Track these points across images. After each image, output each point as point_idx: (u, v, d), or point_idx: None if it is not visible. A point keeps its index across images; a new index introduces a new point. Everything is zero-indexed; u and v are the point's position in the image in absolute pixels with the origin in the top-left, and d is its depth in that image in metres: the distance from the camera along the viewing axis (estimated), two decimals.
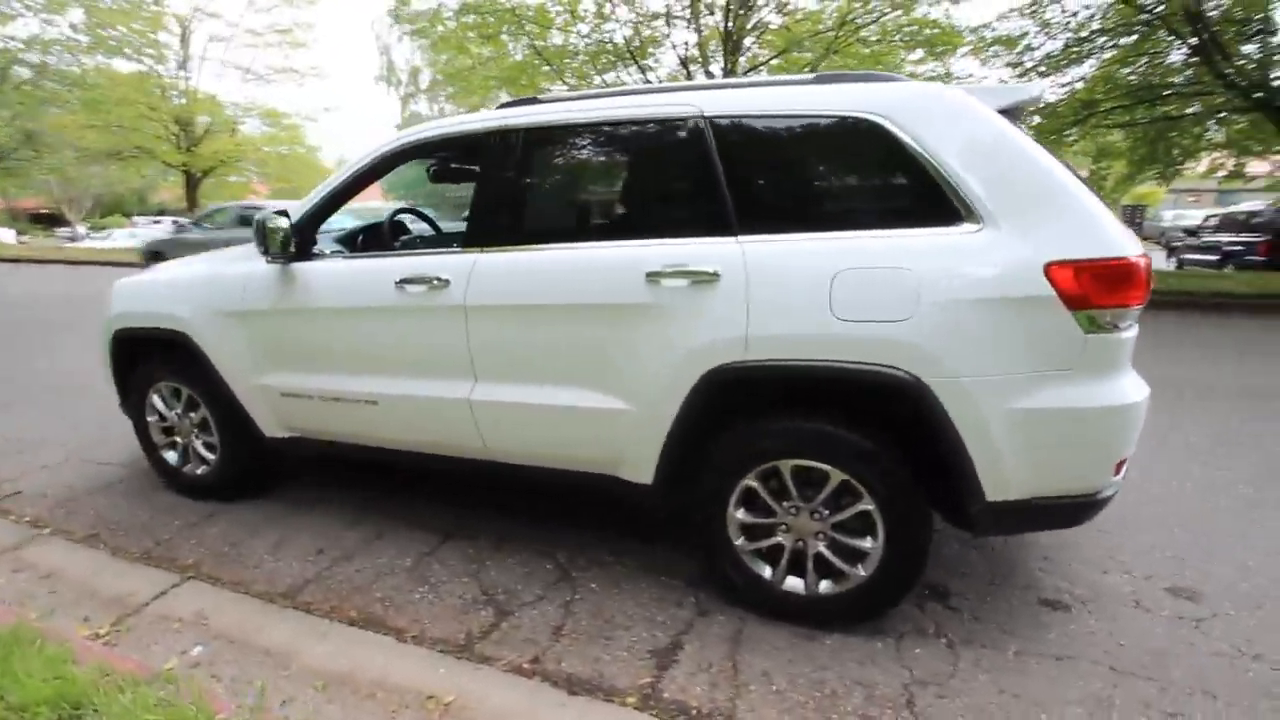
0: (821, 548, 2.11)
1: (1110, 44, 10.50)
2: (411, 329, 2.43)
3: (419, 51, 36.60)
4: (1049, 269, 1.75)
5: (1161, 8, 9.20)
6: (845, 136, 1.96)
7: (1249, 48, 9.11)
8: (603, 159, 2.30)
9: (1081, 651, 2.06)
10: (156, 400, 3.13)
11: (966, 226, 1.84)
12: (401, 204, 3.94)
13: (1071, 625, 2.19)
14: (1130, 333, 1.82)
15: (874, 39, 11.65)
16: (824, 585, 2.13)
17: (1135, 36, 9.84)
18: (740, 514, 2.17)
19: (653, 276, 2.07)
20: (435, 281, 2.35)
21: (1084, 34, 10.49)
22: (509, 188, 2.33)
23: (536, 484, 2.53)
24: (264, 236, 2.53)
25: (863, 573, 2.07)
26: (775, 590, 2.18)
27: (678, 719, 1.83)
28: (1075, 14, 10.23)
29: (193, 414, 3.08)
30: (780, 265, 1.94)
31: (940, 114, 1.88)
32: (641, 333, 2.11)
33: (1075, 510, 1.93)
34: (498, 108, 2.51)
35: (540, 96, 2.43)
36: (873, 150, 1.93)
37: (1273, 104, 8.74)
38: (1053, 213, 1.78)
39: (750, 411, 2.07)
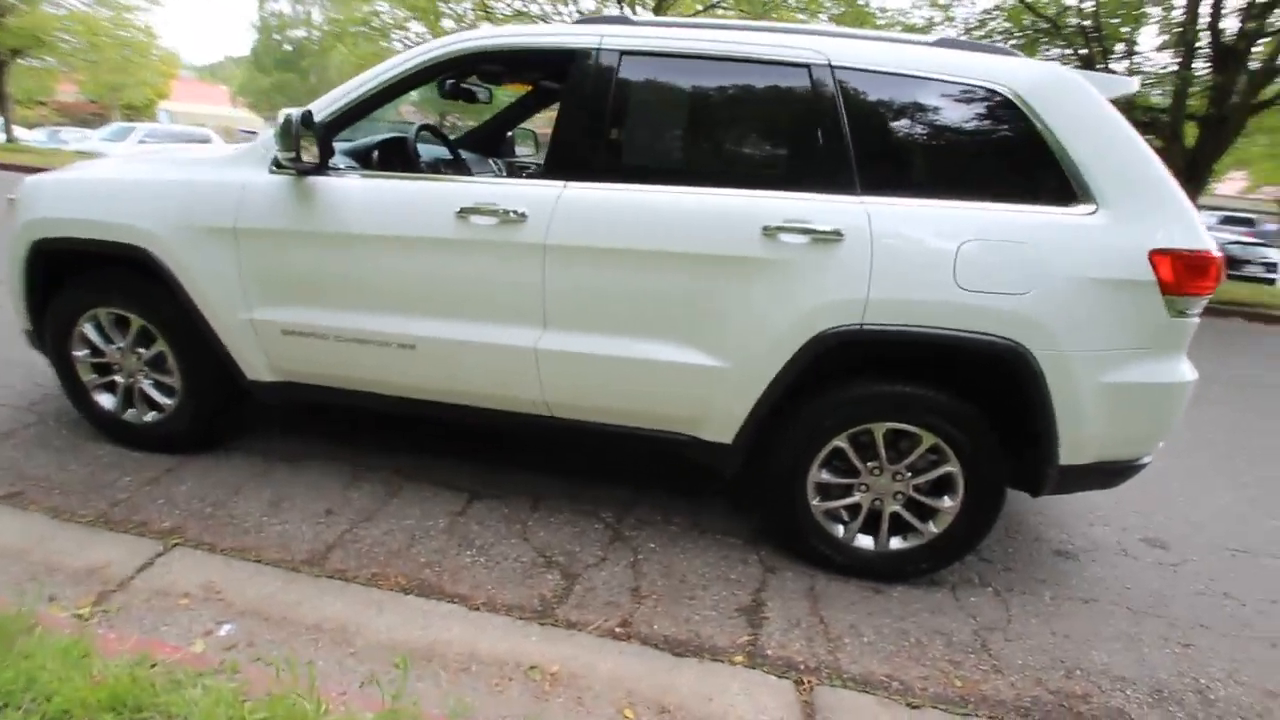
0: (898, 507, 2.19)
1: (1010, 44, 11.48)
2: (472, 266, 2.15)
3: None
4: (1152, 255, 1.89)
5: (1054, 12, 10.15)
6: (976, 106, 1.97)
7: (1118, 66, 10.35)
8: (715, 97, 2.12)
9: (1100, 595, 2.34)
10: (90, 331, 2.54)
11: (1082, 208, 1.93)
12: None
13: (1085, 572, 2.48)
14: (1196, 319, 2.03)
15: (799, 6, 11.84)
16: (894, 542, 2.23)
17: (1024, 40, 10.80)
18: (823, 474, 2.19)
19: (770, 231, 1.98)
20: (511, 214, 2.09)
21: (982, 33, 11.36)
22: (604, 115, 2.09)
23: (591, 441, 2.39)
24: (289, 138, 2.08)
25: (934, 529, 2.18)
26: (846, 547, 2.25)
27: (787, 674, 1.85)
28: (984, 11, 11.02)
29: (142, 349, 2.54)
30: (906, 230, 1.93)
31: (1067, 96, 1.93)
32: (750, 288, 2.02)
33: (1120, 474, 2.15)
34: (576, 23, 2.23)
35: (632, 18, 2.19)
36: (1002, 123, 1.96)
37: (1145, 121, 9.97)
38: (1155, 202, 1.92)
39: (851, 374, 2.07)
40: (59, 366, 2.62)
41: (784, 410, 2.13)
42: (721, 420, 2.19)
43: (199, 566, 2.05)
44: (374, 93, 2.22)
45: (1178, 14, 9.69)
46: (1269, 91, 9.37)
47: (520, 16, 13.22)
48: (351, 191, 2.21)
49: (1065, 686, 1.90)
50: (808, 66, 2.01)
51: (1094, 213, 1.92)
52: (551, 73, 2.94)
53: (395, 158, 2.66)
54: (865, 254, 1.94)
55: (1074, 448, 2.03)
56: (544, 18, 13.13)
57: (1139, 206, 1.91)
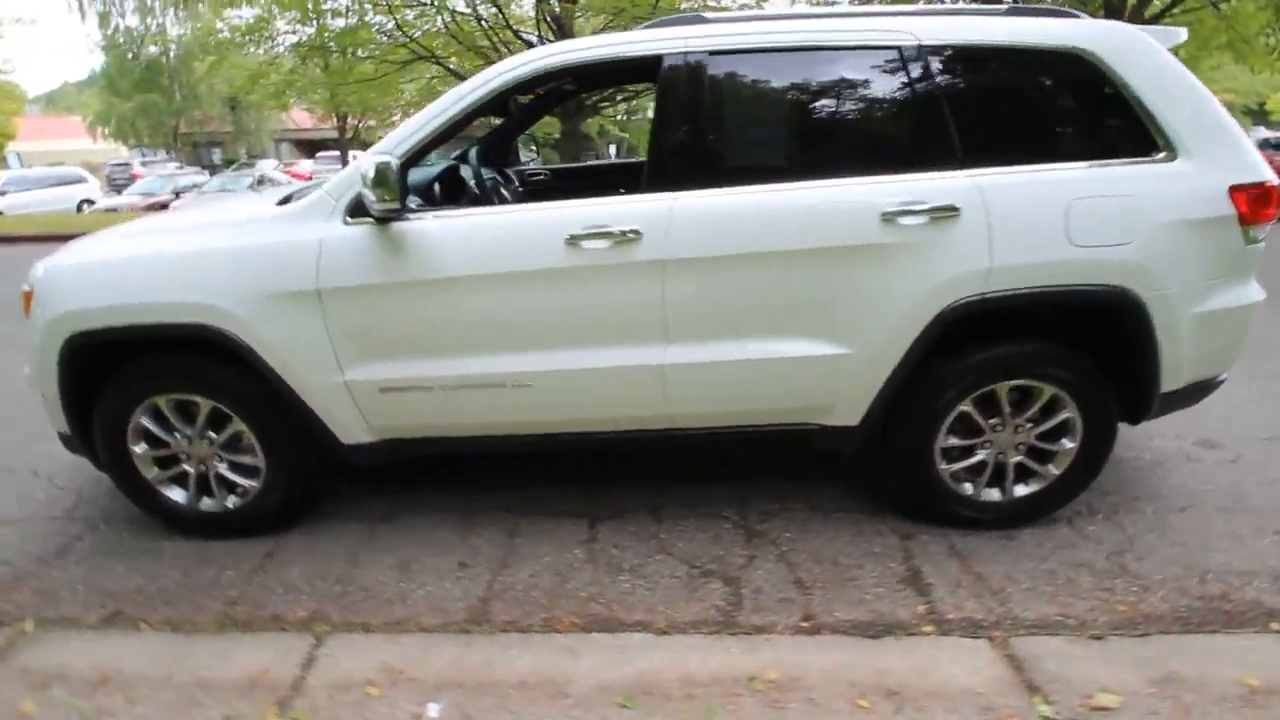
0: (1020, 456, 2.32)
1: None
2: (588, 292, 2.09)
3: None
4: (1231, 192, 2.05)
5: None
6: (1059, 69, 2.06)
7: None
8: (810, 89, 2.11)
9: (1190, 500, 2.57)
10: (148, 423, 2.31)
11: (1164, 156, 2.07)
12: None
13: (1169, 481, 2.71)
14: (1263, 244, 2.23)
15: None
16: (1019, 489, 2.37)
17: None
18: (949, 440, 2.29)
19: (889, 216, 2.02)
20: (626, 234, 2.03)
21: None
22: (702, 119, 2.05)
23: (713, 447, 2.40)
24: (387, 186, 1.93)
25: (1055, 471, 2.33)
26: (976, 503, 2.37)
27: (978, 633, 1.96)
28: None
29: (213, 433, 2.34)
30: (1018, 196, 2.02)
31: (1139, 51, 2.05)
32: (873, 274, 2.06)
33: (1205, 391, 2.36)
34: (646, 27, 2.16)
35: (705, 16, 2.14)
36: (1085, 83, 2.06)
37: None
38: (1225, 144, 2.08)
39: (976, 340, 2.16)
40: (114, 469, 2.37)
41: (909, 385, 2.20)
42: (849, 404, 2.24)
43: (365, 650, 1.94)
44: (452, 121, 2.09)
45: None
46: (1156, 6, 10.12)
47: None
48: (444, 232, 2.09)
49: (1205, 590, 2.10)
50: (899, 48, 2.04)
51: (1176, 160, 2.06)
52: (633, 80, 2.83)
53: (454, 188, 2.52)
54: (983, 225, 2.01)
55: (1172, 375, 2.20)
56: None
57: (1213, 150, 2.07)
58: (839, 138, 2.17)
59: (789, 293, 2.09)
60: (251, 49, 14.20)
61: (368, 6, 12.49)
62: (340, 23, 13.09)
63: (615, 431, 2.33)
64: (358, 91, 13.59)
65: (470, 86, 2.09)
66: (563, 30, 11.51)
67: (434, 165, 2.59)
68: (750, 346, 2.15)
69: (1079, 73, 2.05)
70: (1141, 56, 2.05)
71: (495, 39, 11.88)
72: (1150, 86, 2.04)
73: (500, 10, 11.67)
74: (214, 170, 26.63)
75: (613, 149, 30.21)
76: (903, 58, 2.04)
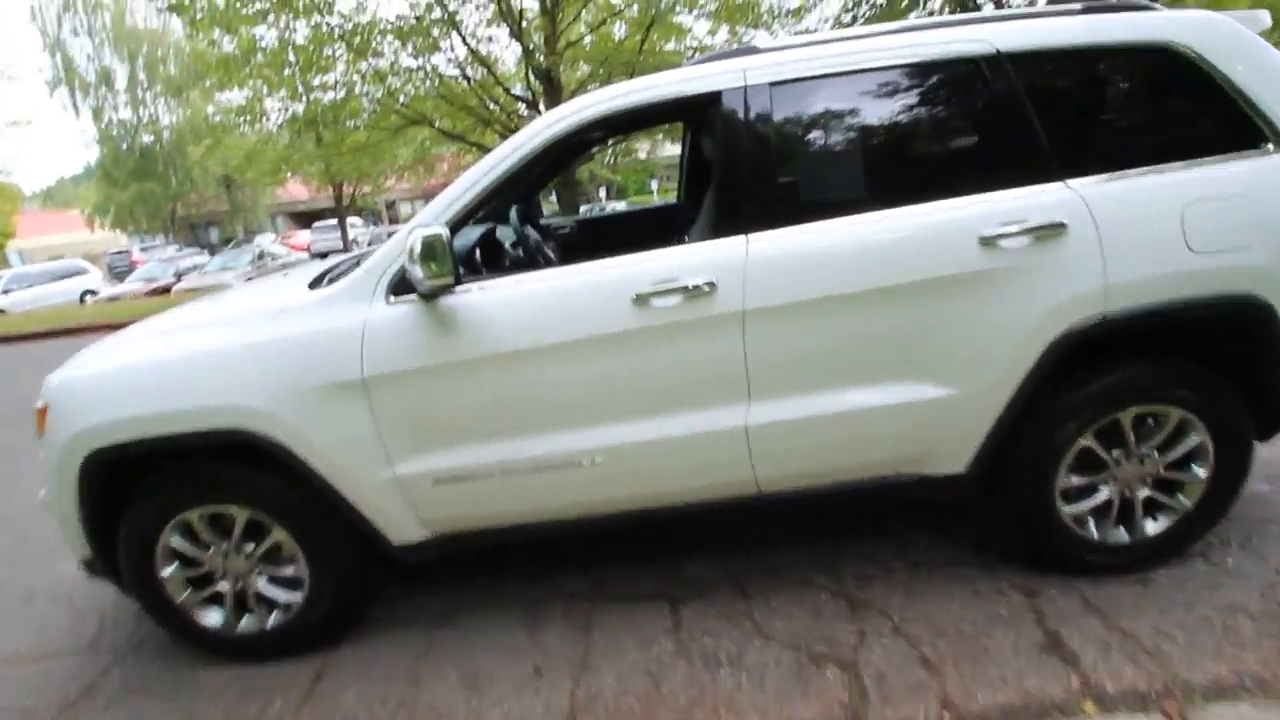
0: (1148, 490, 2.08)
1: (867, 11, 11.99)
2: (661, 354, 1.88)
3: (105, 46, 29.73)
4: None
5: None
6: (1151, 66, 1.89)
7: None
8: (882, 111, 1.94)
9: None
10: (178, 541, 2.08)
11: (1271, 148, 1.88)
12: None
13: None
14: None
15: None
16: (1149, 526, 2.11)
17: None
18: (1071, 479, 2.05)
19: (988, 240, 1.82)
20: (700, 287, 1.83)
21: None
22: (769, 154, 1.88)
23: (801, 509, 2.16)
24: (425, 261, 1.75)
25: (1187, 502, 2.08)
26: (1105, 547, 2.11)
27: (1147, 706, 1.69)
28: None
29: (250, 545, 2.10)
30: (1128, 204, 1.83)
31: (1234, 41, 1.89)
32: (976, 305, 1.86)
33: None
34: (697, 63, 2.00)
35: (759, 46, 1.98)
36: (1178, 79, 1.89)
37: None
38: None
39: (1097, 366, 1.94)
40: (143, 594, 2.13)
41: (1022, 423, 1.98)
42: (955, 450, 2.01)
43: None
44: (500, 181, 1.91)
45: None
46: None
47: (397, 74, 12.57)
48: (496, 303, 1.90)
49: None
50: (976, 59, 1.88)
51: None
52: (690, 120, 2.67)
53: (495, 253, 2.34)
54: (1093, 240, 1.81)
55: None
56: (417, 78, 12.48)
57: None
58: (919, 159, 1.99)
59: (881, 335, 1.89)
60: (245, 129, 14.41)
61: (356, 79, 12.69)
62: (330, 96, 13.28)
63: (694, 503, 2.09)
64: (352, 160, 13.71)
65: (517, 143, 1.92)
66: (551, 83, 11.64)
67: (470, 230, 2.42)
68: (841, 397, 1.93)
69: (1172, 68, 1.88)
70: (1236, 45, 1.88)
71: (485, 97, 12.02)
72: (1250, 76, 1.87)
73: (489, 69, 11.83)
74: (213, 250, 26.88)
75: (603, 191, 30.58)
76: (981, 68, 1.87)
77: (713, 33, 12.54)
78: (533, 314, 1.88)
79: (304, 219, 34.00)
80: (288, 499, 2.02)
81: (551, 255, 2.40)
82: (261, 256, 18.51)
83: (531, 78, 12.09)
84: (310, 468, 1.94)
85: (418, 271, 1.75)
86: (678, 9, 11.88)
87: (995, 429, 1.96)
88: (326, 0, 11.32)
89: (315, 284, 2.16)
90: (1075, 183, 1.85)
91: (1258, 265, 1.83)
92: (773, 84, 1.88)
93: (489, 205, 1.96)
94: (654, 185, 29.41)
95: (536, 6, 11.77)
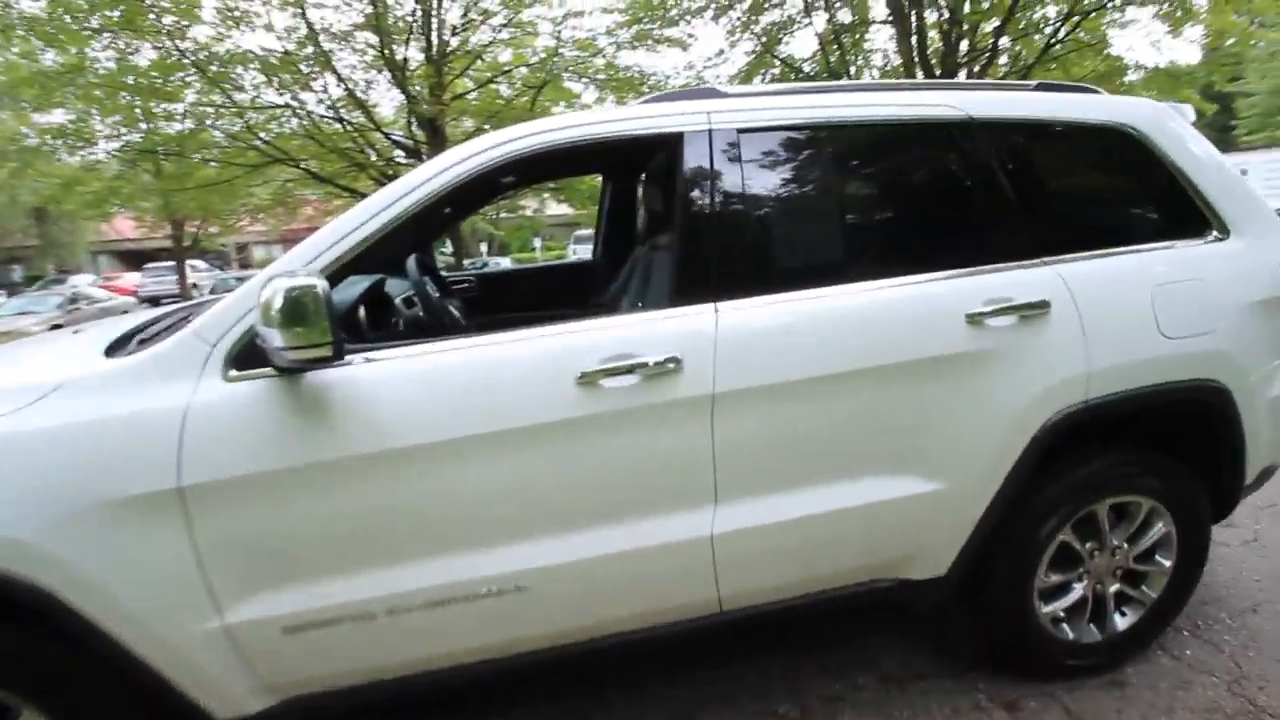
0: (1117, 584, 1.95)
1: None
2: (610, 449, 1.49)
3: None
4: None
5: None
6: (1109, 146, 1.86)
7: None
8: (860, 171, 1.73)
9: (1251, 598, 2.33)
10: None
11: (1217, 236, 1.89)
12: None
13: (1214, 577, 2.46)
14: None
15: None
16: (1119, 621, 1.98)
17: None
18: (1050, 577, 1.87)
19: (975, 317, 1.64)
20: (664, 365, 1.47)
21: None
22: (738, 210, 1.60)
23: (763, 627, 1.81)
24: (288, 323, 1.24)
25: (1152, 594, 1.98)
26: (1079, 647, 1.94)
27: None
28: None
29: None
30: (1104, 286, 1.73)
31: (1177, 130, 1.90)
32: (961, 390, 1.65)
33: (1266, 478, 2.15)
34: (648, 101, 1.71)
35: (721, 89, 1.72)
36: (1134, 162, 1.86)
37: None
38: (1265, 222, 1.95)
39: (1073, 456, 1.79)
40: None
41: (1005, 517, 1.78)
42: (937, 551, 1.77)
43: None
44: (395, 222, 1.45)
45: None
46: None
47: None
48: (388, 382, 1.42)
49: None
50: (951, 125, 1.74)
51: (1229, 238, 1.89)
52: (619, 168, 2.28)
53: (383, 313, 1.84)
54: (1074, 321, 1.69)
55: (1252, 466, 1.97)
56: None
57: (1257, 226, 1.93)
58: (899, 228, 1.80)
59: (865, 422, 1.63)
60: (64, 155, 12.43)
61: (208, 111, 11.46)
62: (177, 127, 11.87)
63: (639, 630, 1.67)
64: (198, 196, 12.23)
65: (420, 178, 1.49)
66: (436, 133, 11.15)
67: (352, 282, 1.91)
68: (820, 495, 1.63)
69: (1127, 150, 1.86)
70: (1179, 132, 1.91)
71: (360, 141, 11.26)
72: (1194, 163, 1.89)
73: (368, 114, 11.15)
74: (13, 289, 22.77)
75: (484, 246, 29.90)
76: (957, 135, 1.74)
77: (601, 100, 12.76)
78: (442, 397, 1.42)
79: (134, 259, 29.91)
80: (52, 668, 1.35)
81: (461, 319, 1.94)
82: (75, 300, 15.90)
83: (414, 126, 11.54)
84: (90, 623, 1.31)
85: (277, 337, 1.24)
86: (569, 75, 11.99)
87: (980, 525, 1.75)
88: (179, 25, 10.23)
89: (115, 348, 1.55)
90: (1050, 260, 1.74)
91: (1217, 351, 1.80)
92: (741, 130, 1.62)
93: (377, 253, 1.49)
94: (537, 243, 29.23)
95: (421, 57, 11.38)
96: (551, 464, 1.47)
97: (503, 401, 1.43)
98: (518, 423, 1.43)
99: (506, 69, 12.12)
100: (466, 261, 15.35)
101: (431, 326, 1.89)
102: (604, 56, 11.89)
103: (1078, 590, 1.93)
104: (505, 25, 11.49)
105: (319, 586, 1.42)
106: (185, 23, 10.24)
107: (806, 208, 1.74)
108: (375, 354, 1.46)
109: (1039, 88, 1.94)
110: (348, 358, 1.43)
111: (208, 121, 11.51)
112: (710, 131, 1.60)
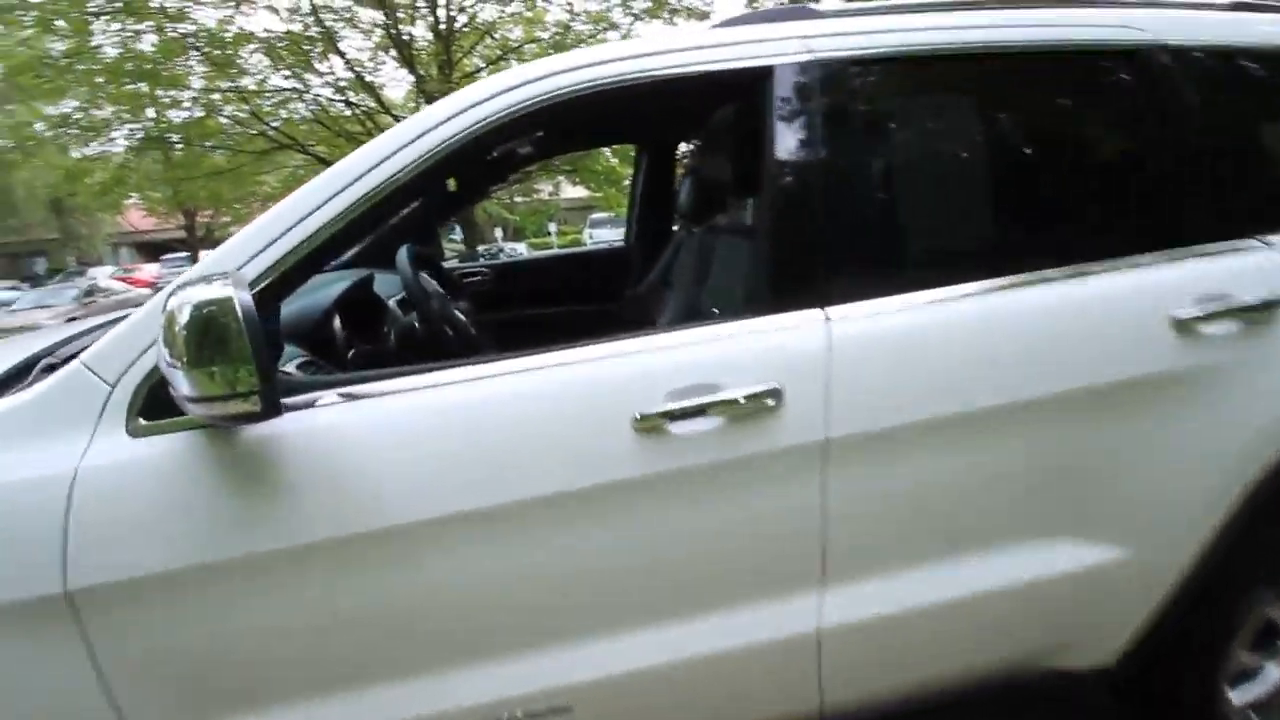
0: None
1: None
2: (679, 520, 1.05)
3: None
4: None
5: None
6: None
7: None
8: (1012, 118, 1.26)
9: None
10: None
11: None
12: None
13: None
14: None
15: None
16: None
17: None
18: (1243, 657, 1.42)
19: (1185, 323, 1.17)
20: (758, 399, 1.03)
21: None
22: (855, 177, 1.14)
23: None
24: (199, 361, 0.81)
25: None
26: None
27: None
28: None
29: None
30: None
31: None
32: (1161, 423, 1.19)
33: None
34: (719, 26, 1.24)
35: (820, 8, 1.25)
36: None
37: None
38: None
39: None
40: None
41: (1202, 587, 1.32)
42: (1106, 635, 1.33)
43: None
44: (368, 202, 1.01)
45: None
46: None
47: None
48: (372, 433, 0.99)
49: None
50: (1134, 50, 1.25)
51: None
52: (686, 119, 1.77)
53: (369, 323, 1.41)
54: None
55: None
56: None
57: None
58: (1071, 197, 1.31)
59: (1026, 473, 1.18)
60: (75, 147, 12.17)
61: (215, 98, 11.12)
62: (184, 114, 11.54)
63: None
64: (206, 185, 11.93)
65: (406, 134, 1.04)
66: None
67: (323, 283, 1.47)
68: (960, 572, 1.19)
69: None
70: None
71: (369, 124, 10.85)
72: None
73: (376, 96, 10.73)
74: (36, 282, 22.79)
75: (499, 232, 29.44)
76: (1142, 65, 1.26)
77: None
78: (446, 454, 0.99)
79: (154, 251, 29.95)
80: None
81: (468, 326, 1.49)
82: (91, 293, 15.82)
83: (423, 107, 11.10)
84: None
85: (181, 380, 0.83)
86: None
87: (1167, 600, 1.30)
88: (180, 9, 9.87)
89: (7, 383, 1.13)
90: (1272, 239, 1.26)
91: None
92: (854, 61, 1.15)
93: (347, 244, 1.06)
94: (552, 228, 28.74)
95: (430, 35, 10.91)
96: (598, 543, 1.04)
97: (529, 459, 1.00)
98: (551, 489, 1.00)
99: (517, 45, 11.60)
100: (481, 248, 14.94)
101: (431, 342, 1.45)
102: (619, 30, 11.31)
103: (1275, 673, 1.48)
104: None
105: (276, 715, 1.02)
106: (186, 5, 9.89)
107: (946, 171, 1.26)
108: (357, 389, 1.03)
109: (1235, 7, 1.44)
110: (314, 395, 1.00)
111: (216, 108, 11.19)
112: (811, 64, 1.13)
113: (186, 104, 11.57)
